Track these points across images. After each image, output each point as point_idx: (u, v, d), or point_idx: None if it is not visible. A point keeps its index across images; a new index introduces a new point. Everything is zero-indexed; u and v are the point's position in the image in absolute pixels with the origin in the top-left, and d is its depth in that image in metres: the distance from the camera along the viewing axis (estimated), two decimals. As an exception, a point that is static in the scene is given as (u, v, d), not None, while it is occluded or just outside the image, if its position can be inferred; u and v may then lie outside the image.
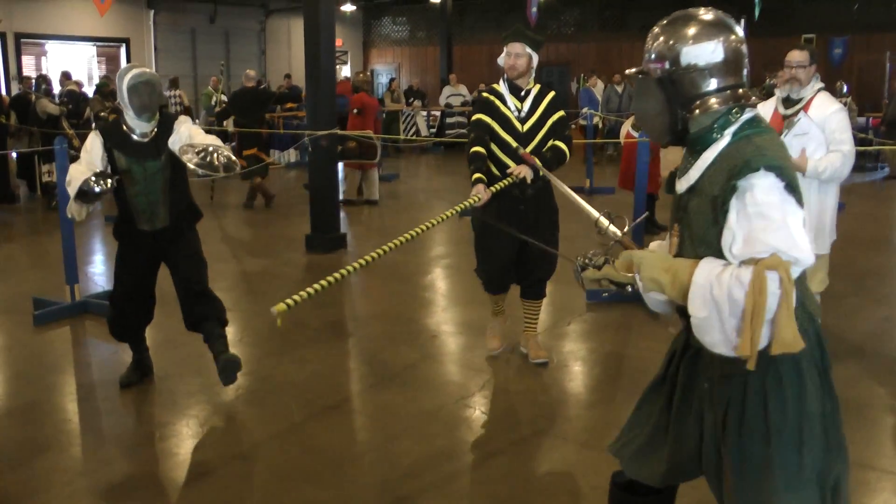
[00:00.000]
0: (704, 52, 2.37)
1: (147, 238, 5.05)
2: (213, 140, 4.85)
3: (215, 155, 4.62)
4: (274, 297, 7.10)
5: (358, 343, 6.25)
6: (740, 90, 2.38)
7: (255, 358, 5.82)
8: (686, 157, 2.49)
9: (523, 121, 5.22)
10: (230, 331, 6.10)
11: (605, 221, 2.73)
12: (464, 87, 20.87)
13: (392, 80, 23.69)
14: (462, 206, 4.34)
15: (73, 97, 13.90)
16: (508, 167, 5.05)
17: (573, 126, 18.22)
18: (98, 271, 8.34)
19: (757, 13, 16.18)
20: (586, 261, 2.60)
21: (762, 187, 2.22)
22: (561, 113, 5.33)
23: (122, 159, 4.91)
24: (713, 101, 2.37)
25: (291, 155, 17.00)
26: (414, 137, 20.15)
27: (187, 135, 4.88)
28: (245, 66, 19.81)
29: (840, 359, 5.38)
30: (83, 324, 6.60)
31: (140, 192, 4.93)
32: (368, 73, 13.98)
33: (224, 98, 10.28)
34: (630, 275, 2.46)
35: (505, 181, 4.90)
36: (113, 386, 5.32)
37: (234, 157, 4.72)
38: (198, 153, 4.62)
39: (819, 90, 5.26)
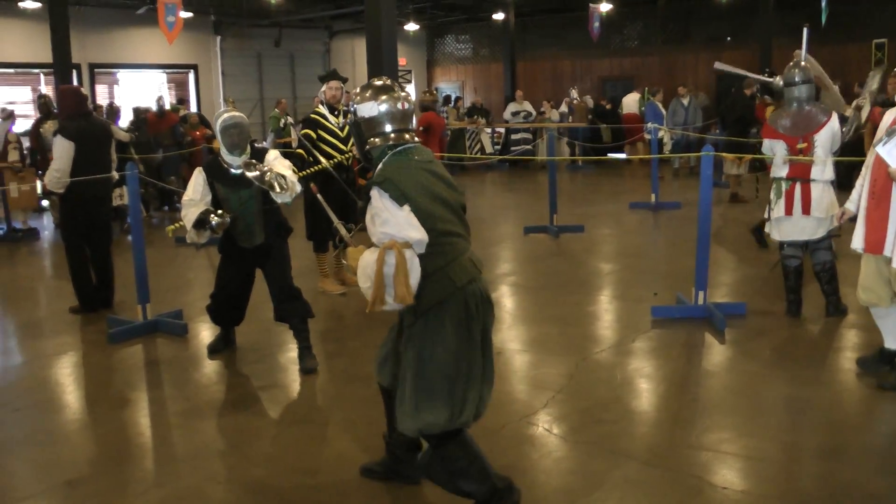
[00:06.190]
0: (364, 109, 3.68)
1: (246, 253, 6.05)
2: (287, 166, 5.87)
3: (269, 174, 5.47)
4: (350, 320, 7.16)
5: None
6: (403, 134, 3.66)
7: (324, 380, 5.92)
8: None
9: (342, 129, 7.87)
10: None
11: (341, 229, 3.89)
12: (528, 103, 20.86)
13: (457, 98, 23.79)
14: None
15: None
16: (334, 157, 7.72)
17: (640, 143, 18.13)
18: (168, 291, 8.52)
19: (823, 19, 15.82)
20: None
21: (375, 196, 3.44)
22: None
23: (221, 189, 5.89)
24: (377, 140, 3.67)
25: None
26: (478, 155, 20.19)
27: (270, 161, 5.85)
28: (311, 88, 20.13)
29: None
30: (155, 342, 6.77)
31: (238, 216, 5.88)
32: (434, 92, 14.07)
33: (291, 120, 10.50)
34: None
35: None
36: (183, 401, 5.46)
37: (291, 182, 5.61)
38: (257, 168, 5.44)
39: None
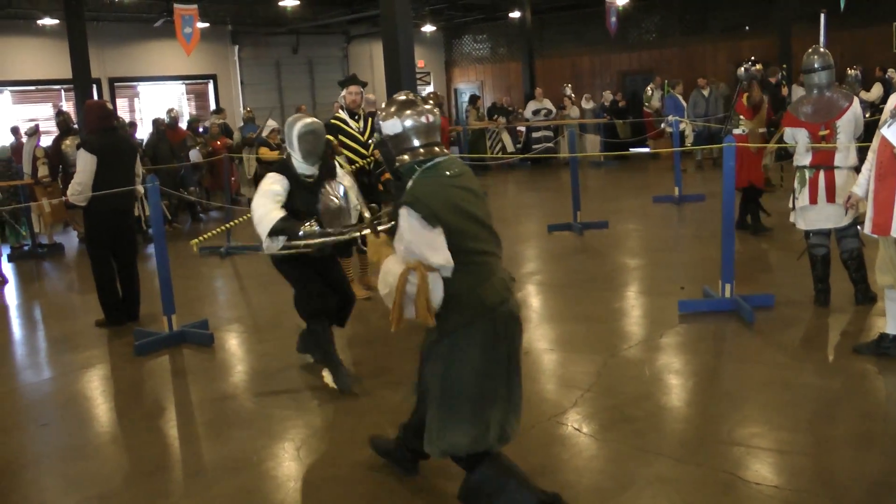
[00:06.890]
0: (389, 126, 3.62)
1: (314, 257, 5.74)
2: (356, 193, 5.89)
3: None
4: (376, 323, 7.16)
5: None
6: (433, 148, 3.59)
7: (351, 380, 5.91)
8: None
9: (362, 134, 7.91)
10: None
11: (368, 215, 4.24)
12: (548, 100, 20.80)
13: (477, 98, 23.74)
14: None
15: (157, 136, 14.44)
16: (356, 163, 7.86)
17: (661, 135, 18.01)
18: (194, 302, 8.55)
19: (843, 3, 15.48)
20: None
21: (404, 216, 3.39)
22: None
23: (298, 198, 5.55)
24: (406, 156, 3.59)
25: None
26: (500, 155, 20.14)
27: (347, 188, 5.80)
28: (330, 94, 20.16)
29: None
30: (181, 353, 6.78)
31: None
32: (438, 94, 14.02)
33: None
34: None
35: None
36: (210, 411, 5.47)
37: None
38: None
39: None
